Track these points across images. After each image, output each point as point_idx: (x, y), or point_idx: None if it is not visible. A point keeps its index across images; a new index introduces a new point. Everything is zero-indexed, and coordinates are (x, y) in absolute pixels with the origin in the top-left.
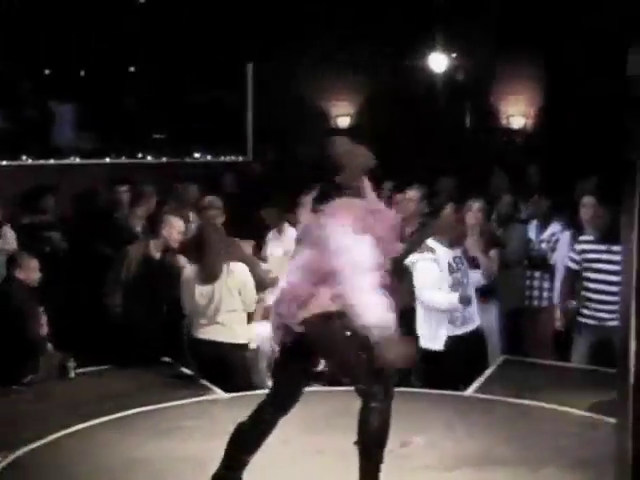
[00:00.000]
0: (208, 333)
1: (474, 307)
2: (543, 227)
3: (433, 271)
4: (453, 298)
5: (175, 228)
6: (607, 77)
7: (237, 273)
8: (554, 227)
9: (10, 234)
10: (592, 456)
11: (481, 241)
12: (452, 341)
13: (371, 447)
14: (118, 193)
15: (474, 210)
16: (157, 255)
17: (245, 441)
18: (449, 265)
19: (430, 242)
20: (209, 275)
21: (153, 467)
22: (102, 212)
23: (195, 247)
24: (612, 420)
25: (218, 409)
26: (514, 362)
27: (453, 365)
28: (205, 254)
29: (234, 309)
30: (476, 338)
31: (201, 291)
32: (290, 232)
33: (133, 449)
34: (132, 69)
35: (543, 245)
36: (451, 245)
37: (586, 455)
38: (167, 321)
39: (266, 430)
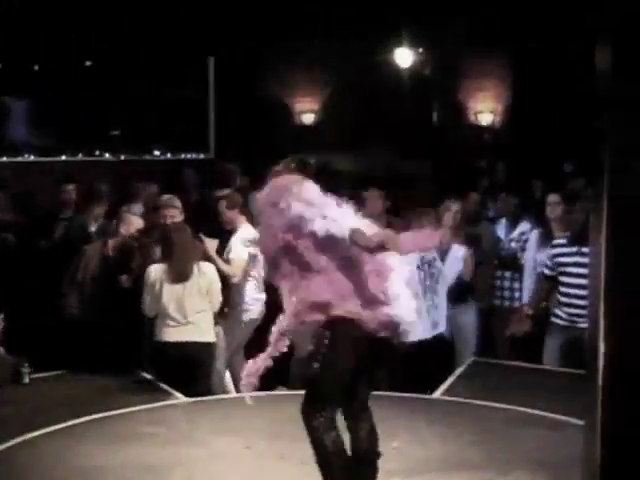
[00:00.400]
0: (178, 334)
1: (441, 312)
2: (512, 226)
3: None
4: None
5: (133, 225)
6: (575, 74)
7: (207, 273)
8: (523, 226)
9: None
10: (560, 458)
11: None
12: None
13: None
14: (66, 192)
15: (453, 211)
16: (115, 254)
17: None
18: (420, 259)
19: None
20: (180, 275)
21: (108, 474)
22: (47, 212)
23: (162, 247)
24: (580, 422)
25: (178, 414)
26: (482, 364)
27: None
28: (173, 254)
29: (204, 309)
30: (439, 344)
31: (171, 291)
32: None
33: (88, 457)
34: (88, 63)
35: (513, 244)
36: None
37: (554, 457)
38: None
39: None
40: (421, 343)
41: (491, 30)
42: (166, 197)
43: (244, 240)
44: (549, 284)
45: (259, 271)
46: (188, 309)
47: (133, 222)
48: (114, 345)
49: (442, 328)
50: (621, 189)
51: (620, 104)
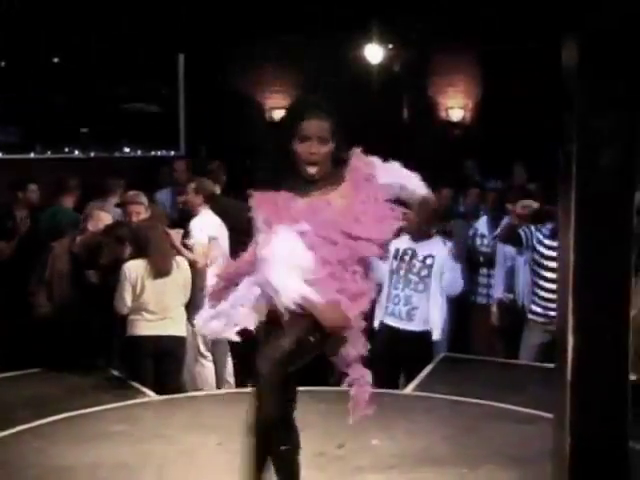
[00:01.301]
0: (155, 328)
1: (410, 310)
2: (494, 222)
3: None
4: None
5: (102, 221)
6: (543, 69)
7: (184, 267)
8: (506, 221)
9: None
10: (531, 453)
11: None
12: (387, 330)
13: None
14: (28, 192)
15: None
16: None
17: None
18: (395, 251)
19: None
20: (161, 270)
21: (77, 475)
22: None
23: (135, 245)
24: (551, 416)
25: (149, 412)
26: (454, 359)
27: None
28: (150, 251)
29: (181, 303)
30: (416, 340)
31: (152, 286)
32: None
33: (58, 457)
34: (56, 60)
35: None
36: (412, 236)
37: (525, 452)
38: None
39: None
40: (388, 330)
41: (461, 26)
42: (132, 193)
43: (203, 225)
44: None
45: (222, 254)
46: (169, 304)
47: (102, 218)
48: (84, 343)
49: (418, 326)
50: (588, 185)
51: (587, 101)
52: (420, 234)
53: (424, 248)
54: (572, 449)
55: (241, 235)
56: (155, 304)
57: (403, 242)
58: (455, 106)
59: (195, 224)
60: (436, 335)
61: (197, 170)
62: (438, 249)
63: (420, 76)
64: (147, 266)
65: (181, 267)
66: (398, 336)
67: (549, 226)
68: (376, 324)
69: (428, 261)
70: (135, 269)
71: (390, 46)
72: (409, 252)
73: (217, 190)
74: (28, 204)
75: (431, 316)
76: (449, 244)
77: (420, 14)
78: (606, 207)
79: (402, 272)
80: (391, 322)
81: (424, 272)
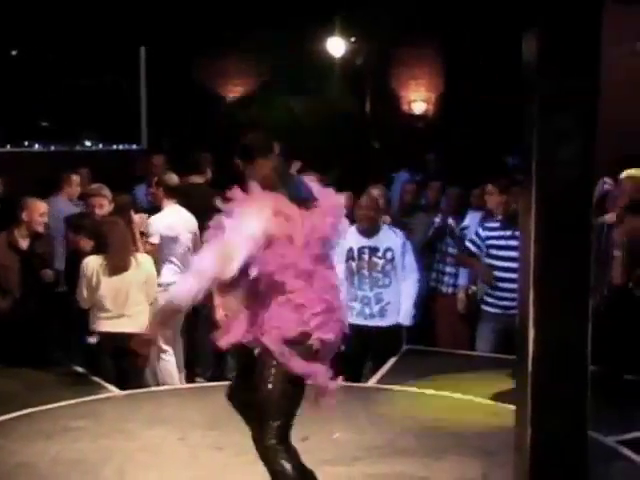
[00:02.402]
0: (112, 325)
1: (384, 306)
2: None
3: None
4: None
5: (36, 211)
6: (505, 62)
7: (144, 265)
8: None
9: None
10: (494, 444)
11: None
12: (356, 330)
13: None
14: None
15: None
16: (24, 243)
17: None
18: (348, 251)
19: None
20: (118, 267)
21: (37, 471)
22: None
23: (95, 240)
24: (513, 407)
25: (110, 408)
26: (417, 351)
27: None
28: (109, 247)
29: (141, 301)
30: (373, 335)
31: (108, 283)
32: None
33: (16, 454)
34: (14, 52)
35: (465, 232)
36: (362, 232)
37: (488, 443)
38: (54, 315)
39: None
40: (357, 330)
41: (422, 18)
42: (95, 186)
43: (159, 222)
44: (469, 257)
45: (178, 254)
46: (125, 301)
47: (36, 207)
48: (42, 338)
49: (390, 320)
50: (548, 177)
51: (546, 95)
52: (372, 229)
53: (380, 242)
54: (532, 439)
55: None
56: (111, 300)
57: (353, 241)
58: (418, 99)
59: (151, 220)
60: (408, 322)
61: (179, 163)
62: (393, 240)
63: (383, 69)
64: (103, 262)
65: (142, 264)
66: (369, 334)
67: (499, 217)
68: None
69: (389, 255)
70: (92, 264)
71: (353, 39)
72: (366, 250)
73: (174, 181)
74: None
75: (403, 305)
76: (398, 231)
77: (383, 7)
78: (565, 199)
79: (365, 272)
80: (360, 322)
81: (388, 267)
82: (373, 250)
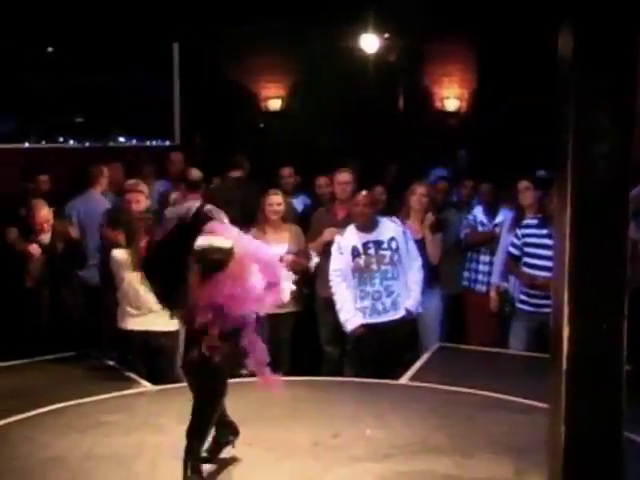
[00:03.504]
0: (139, 323)
1: (395, 298)
2: (489, 211)
3: (334, 252)
4: (350, 316)
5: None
6: (540, 58)
7: None
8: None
9: None
10: (526, 442)
11: (425, 225)
12: (372, 330)
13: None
14: (37, 183)
15: (418, 194)
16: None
17: None
18: (353, 249)
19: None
20: (137, 264)
21: (68, 465)
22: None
23: (126, 234)
24: (546, 406)
25: (142, 402)
26: (448, 349)
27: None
28: (134, 242)
29: None
30: (391, 329)
31: (130, 279)
32: None
33: (49, 448)
34: (50, 49)
35: (497, 229)
36: (361, 229)
37: (520, 441)
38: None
39: None
40: (375, 329)
41: (455, 14)
42: (132, 182)
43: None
44: (513, 263)
45: None
46: (149, 298)
47: (38, 207)
48: (76, 332)
49: (403, 311)
50: (584, 174)
51: (583, 90)
52: (370, 224)
53: (383, 235)
54: (567, 438)
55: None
56: (133, 296)
57: (353, 238)
58: (450, 96)
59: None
60: (415, 309)
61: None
62: (393, 229)
63: (416, 66)
64: (129, 257)
65: None
66: (386, 330)
67: (538, 215)
68: (350, 327)
69: (393, 245)
70: (118, 258)
71: (386, 36)
72: (371, 245)
73: (196, 176)
74: (41, 194)
75: (412, 293)
76: (396, 220)
77: (416, 3)
78: (601, 198)
79: (374, 266)
80: (376, 320)
81: (395, 257)
82: (377, 243)
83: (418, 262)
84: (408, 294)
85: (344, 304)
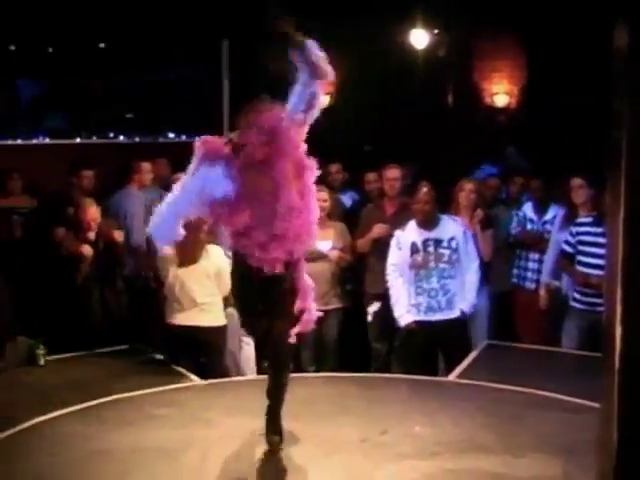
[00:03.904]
0: (186, 318)
1: (451, 297)
2: (539, 208)
3: (392, 247)
4: (404, 311)
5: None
6: (591, 53)
7: (214, 256)
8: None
9: None
10: (576, 442)
11: (474, 222)
12: (426, 327)
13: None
14: (81, 178)
15: (466, 190)
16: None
17: None
18: (412, 245)
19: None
20: (189, 258)
21: (116, 458)
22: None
23: None
24: (597, 405)
25: (191, 396)
26: (497, 347)
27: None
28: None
29: (212, 293)
30: (443, 329)
31: (177, 274)
32: None
33: (100, 440)
34: (102, 45)
35: (547, 227)
36: (422, 226)
37: (570, 441)
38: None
39: None
40: (427, 326)
41: (505, 10)
42: (177, 176)
43: None
44: (567, 260)
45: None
46: (195, 293)
47: (86, 205)
48: (128, 326)
49: (457, 311)
50: (638, 172)
51: (637, 87)
52: (431, 221)
53: (443, 233)
54: (619, 439)
55: None
56: (179, 292)
57: (413, 234)
58: (500, 92)
59: None
60: (469, 310)
61: None
62: (454, 228)
63: (465, 62)
64: (173, 253)
65: (212, 256)
66: (438, 328)
67: (593, 213)
68: (403, 323)
69: (453, 244)
70: (164, 253)
71: (435, 31)
72: (430, 242)
73: None
74: (83, 190)
75: (467, 295)
76: (458, 219)
77: None
78: None
79: (432, 264)
80: (429, 317)
81: (454, 256)
82: (437, 242)
83: (476, 263)
84: (463, 294)
85: (399, 299)
